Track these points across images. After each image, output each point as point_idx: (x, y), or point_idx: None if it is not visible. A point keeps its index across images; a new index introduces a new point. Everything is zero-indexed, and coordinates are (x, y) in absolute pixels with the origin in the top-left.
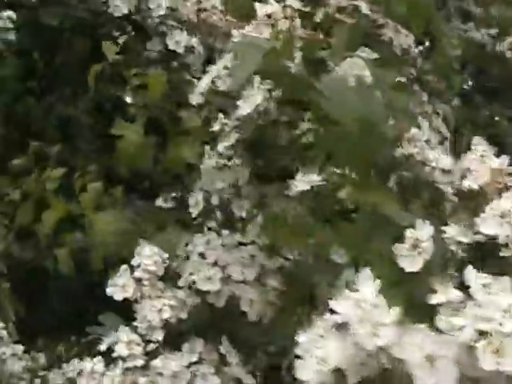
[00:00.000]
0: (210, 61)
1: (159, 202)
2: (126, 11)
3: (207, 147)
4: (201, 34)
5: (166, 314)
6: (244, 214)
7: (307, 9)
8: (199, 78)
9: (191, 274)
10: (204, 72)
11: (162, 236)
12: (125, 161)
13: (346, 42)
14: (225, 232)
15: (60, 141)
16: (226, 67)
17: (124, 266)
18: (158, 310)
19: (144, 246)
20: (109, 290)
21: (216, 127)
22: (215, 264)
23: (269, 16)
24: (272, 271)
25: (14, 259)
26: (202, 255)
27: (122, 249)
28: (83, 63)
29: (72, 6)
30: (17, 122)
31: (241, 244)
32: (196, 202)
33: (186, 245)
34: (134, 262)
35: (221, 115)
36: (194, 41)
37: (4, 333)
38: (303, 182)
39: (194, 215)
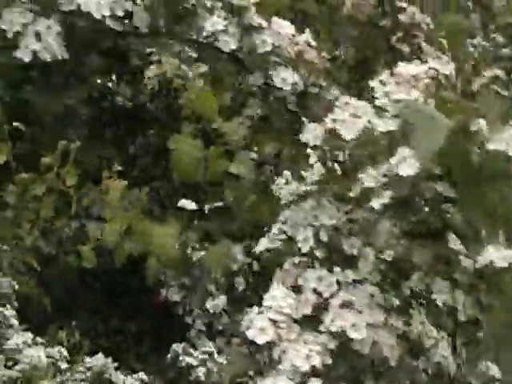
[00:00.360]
0: (304, 94)
1: (182, 203)
2: (234, 47)
3: (287, 173)
4: (297, 68)
5: (315, 361)
6: (355, 252)
7: (449, 72)
8: (295, 112)
9: (333, 320)
10: (298, 105)
11: (215, 249)
12: (179, 174)
13: (500, 113)
14: (336, 269)
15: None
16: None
17: (257, 308)
18: (305, 356)
19: (276, 287)
20: (249, 333)
21: (370, 183)
22: (343, 306)
23: (413, 76)
24: (396, 311)
25: (40, 253)
26: (315, 291)
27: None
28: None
29: (177, 36)
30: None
31: (354, 281)
32: (305, 239)
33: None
34: (266, 303)
35: (370, 170)
36: (297, 77)
37: (15, 320)
38: (498, 257)
39: (303, 251)
